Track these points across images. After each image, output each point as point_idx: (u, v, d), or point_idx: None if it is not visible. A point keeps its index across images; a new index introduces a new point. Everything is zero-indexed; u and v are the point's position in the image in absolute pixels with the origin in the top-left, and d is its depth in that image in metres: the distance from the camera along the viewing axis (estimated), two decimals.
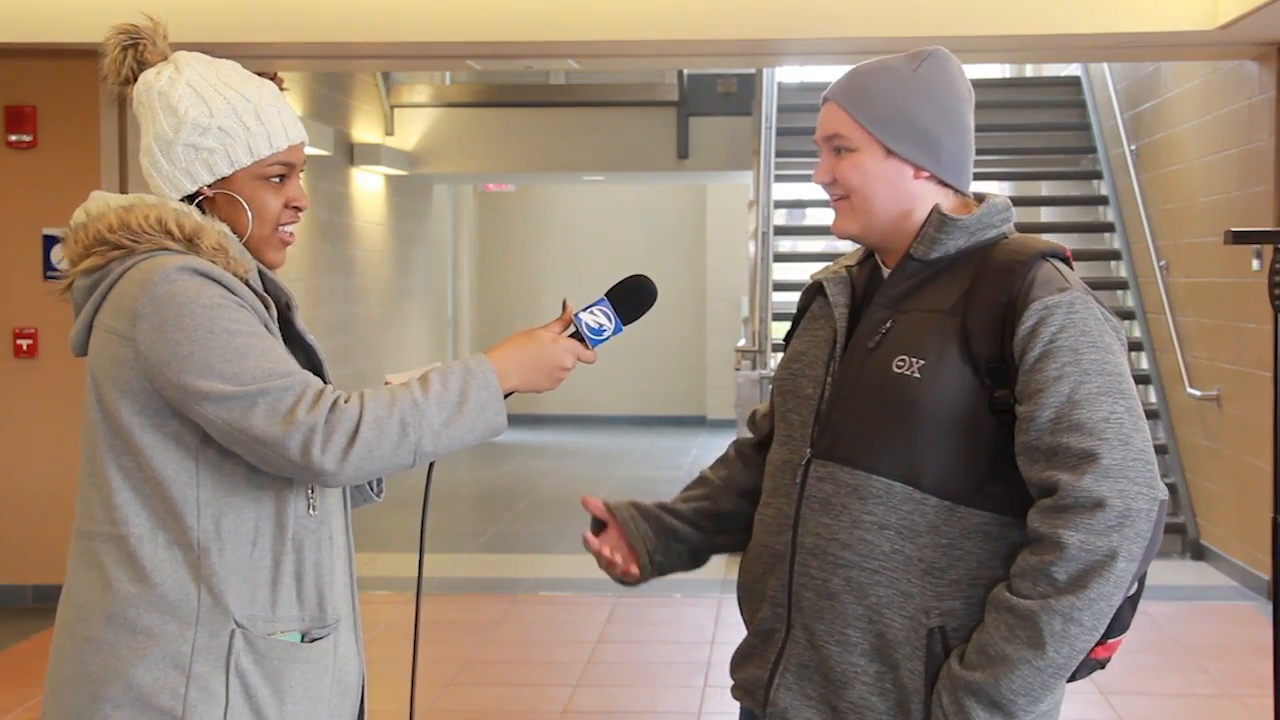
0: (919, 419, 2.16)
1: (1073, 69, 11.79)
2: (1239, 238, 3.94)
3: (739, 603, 2.40)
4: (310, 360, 2.22)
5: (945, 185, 2.29)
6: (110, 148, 7.36)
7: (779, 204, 11.42)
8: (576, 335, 2.25)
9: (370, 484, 2.38)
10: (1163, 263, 9.24)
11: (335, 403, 2.05)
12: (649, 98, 13.05)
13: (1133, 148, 10.06)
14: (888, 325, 2.24)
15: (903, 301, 2.25)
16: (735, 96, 12.74)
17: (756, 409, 2.54)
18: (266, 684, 2.12)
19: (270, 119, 2.19)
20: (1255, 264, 7.40)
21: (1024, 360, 2.13)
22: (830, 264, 2.44)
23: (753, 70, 11.61)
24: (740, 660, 2.38)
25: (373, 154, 12.26)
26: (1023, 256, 2.20)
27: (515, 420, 16.05)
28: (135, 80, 2.23)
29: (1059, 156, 11.71)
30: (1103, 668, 2.24)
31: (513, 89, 13.36)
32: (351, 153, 12.06)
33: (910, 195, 2.26)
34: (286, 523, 2.14)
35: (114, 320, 2.10)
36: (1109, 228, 10.47)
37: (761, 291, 10.12)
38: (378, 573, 7.66)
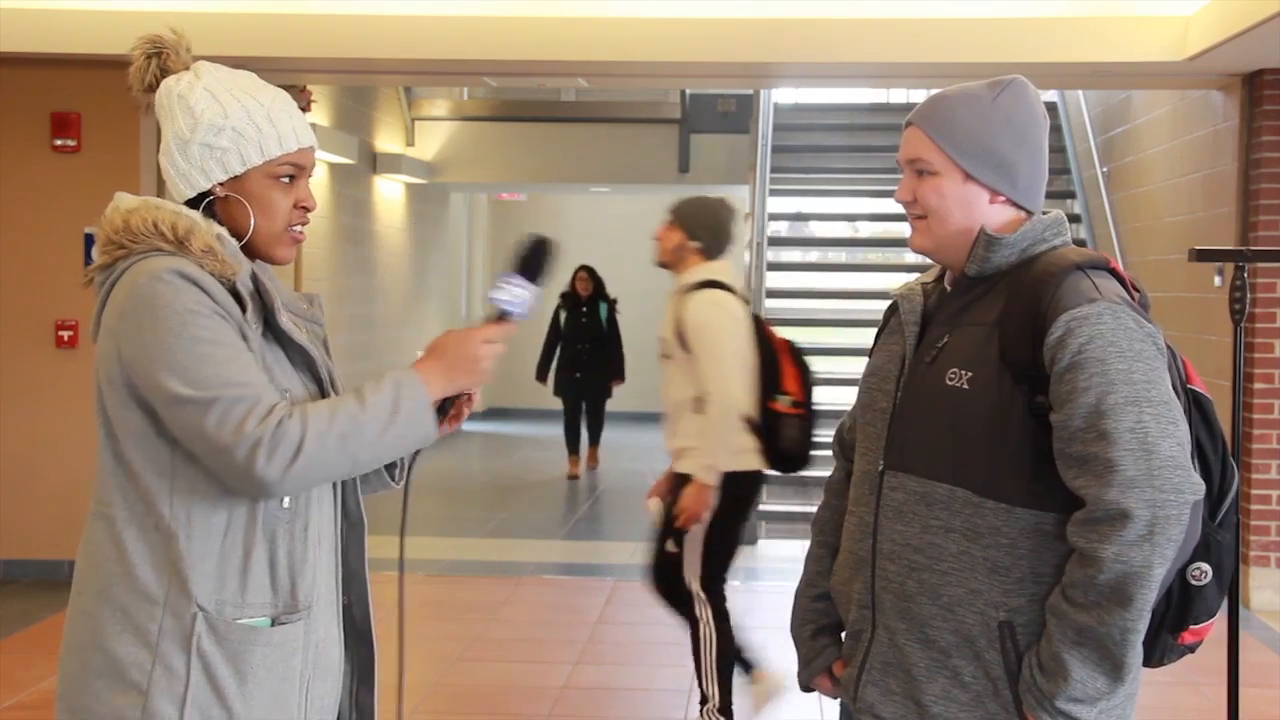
0: (969, 428, 2.12)
1: (1050, 95, 11.77)
2: (1203, 256, 3.91)
3: (836, 606, 2.38)
4: (304, 357, 2.17)
5: (1019, 208, 2.23)
6: (149, 152, 7.33)
7: (773, 216, 11.41)
8: (500, 317, 2.21)
9: (388, 469, 2.34)
10: None
11: (282, 419, 2.01)
12: (653, 115, 13.06)
13: (1104, 170, 10.05)
14: (944, 340, 2.20)
15: (958, 317, 2.21)
16: (734, 115, 12.75)
17: (843, 423, 2.48)
18: (228, 665, 2.08)
19: (281, 122, 2.17)
20: (1217, 280, 7.37)
21: (1053, 370, 2.07)
22: (910, 280, 2.39)
23: (750, 91, 11.62)
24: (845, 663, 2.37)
25: (394, 163, 12.27)
26: (1056, 268, 2.14)
27: (523, 415, 16.07)
28: (158, 87, 2.22)
29: None
30: (1192, 652, 2.20)
31: (526, 105, 13.36)
32: (374, 161, 12.06)
33: (985, 217, 2.21)
34: (258, 515, 2.10)
35: (109, 316, 2.09)
36: (1081, 244, 10.43)
37: (755, 298, 10.08)
38: (395, 555, 7.61)
